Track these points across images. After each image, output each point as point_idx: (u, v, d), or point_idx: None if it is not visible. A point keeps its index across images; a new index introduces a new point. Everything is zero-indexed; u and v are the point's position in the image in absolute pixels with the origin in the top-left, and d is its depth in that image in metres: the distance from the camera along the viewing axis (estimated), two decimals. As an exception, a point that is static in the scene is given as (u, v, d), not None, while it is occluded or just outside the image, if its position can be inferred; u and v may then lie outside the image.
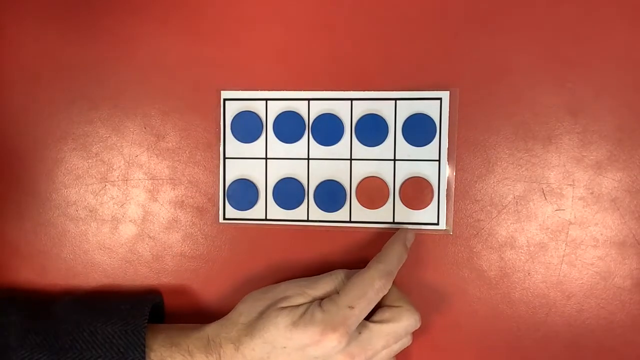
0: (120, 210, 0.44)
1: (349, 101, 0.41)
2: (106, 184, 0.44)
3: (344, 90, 0.41)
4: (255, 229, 0.43)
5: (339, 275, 0.38)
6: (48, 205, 0.45)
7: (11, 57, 0.45)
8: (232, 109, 0.43)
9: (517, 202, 0.40)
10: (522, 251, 0.40)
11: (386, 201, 0.41)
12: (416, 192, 0.41)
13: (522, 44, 0.40)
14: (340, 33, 0.41)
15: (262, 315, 0.37)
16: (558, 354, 0.40)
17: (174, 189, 0.44)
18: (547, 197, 0.40)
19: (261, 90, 0.42)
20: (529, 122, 0.40)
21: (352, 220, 0.42)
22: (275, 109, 0.42)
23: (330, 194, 0.42)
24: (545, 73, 0.39)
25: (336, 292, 0.37)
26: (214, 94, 0.43)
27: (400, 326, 0.37)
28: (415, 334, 0.41)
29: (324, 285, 0.38)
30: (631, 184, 0.39)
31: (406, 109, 0.41)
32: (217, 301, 0.44)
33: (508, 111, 0.40)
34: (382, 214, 0.42)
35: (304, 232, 0.42)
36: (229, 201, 0.43)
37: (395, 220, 0.42)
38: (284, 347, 0.35)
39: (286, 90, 0.42)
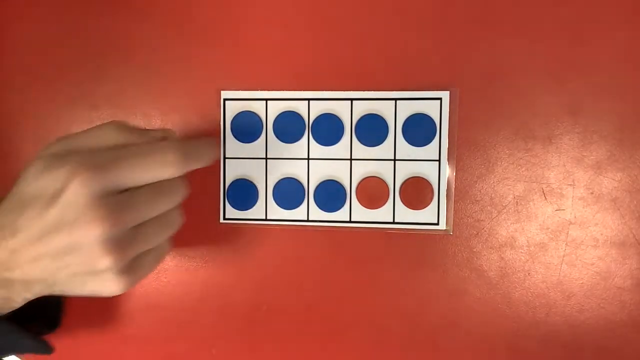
0: (120, 210, 0.44)
1: (349, 101, 0.41)
2: (106, 184, 0.44)
3: (344, 90, 0.41)
4: (255, 229, 0.43)
5: (109, 124, 0.32)
6: (48, 205, 0.45)
7: (11, 57, 0.45)
8: (232, 109, 0.43)
9: (517, 202, 0.40)
10: (522, 251, 0.40)
11: (386, 201, 0.41)
12: (416, 192, 0.41)
13: (522, 44, 0.40)
14: (340, 33, 0.41)
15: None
16: (558, 354, 0.40)
17: (174, 189, 0.44)
18: (547, 197, 0.40)
19: (261, 90, 0.42)
20: (529, 122, 0.40)
21: (352, 220, 0.42)
22: (275, 109, 0.42)
23: (330, 194, 0.42)
24: (545, 73, 0.39)
25: (106, 146, 0.31)
26: (214, 94, 0.43)
27: (162, 185, 0.31)
28: (416, 334, 0.41)
29: (89, 135, 0.31)
30: (631, 184, 0.39)
31: (406, 109, 0.41)
32: (218, 301, 0.44)
33: (508, 111, 0.40)
34: (382, 214, 0.42)
35: (304, 232, 0.42)
36: (229, 201, 0.43)
37: (395, 220, 0.42)
38: (34, 197, 0.29)
39: (286, 90, 0.42)
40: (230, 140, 0.43)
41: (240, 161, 0.43)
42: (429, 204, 0.41)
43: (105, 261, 0.30)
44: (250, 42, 0.42)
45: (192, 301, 0.44)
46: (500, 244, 0.40)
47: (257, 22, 0.42)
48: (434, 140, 0.41)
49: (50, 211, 0.29)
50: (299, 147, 0.42)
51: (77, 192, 0.28)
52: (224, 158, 0.43)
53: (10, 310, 0.33)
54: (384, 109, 0.41)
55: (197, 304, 0.43)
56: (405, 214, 0.41)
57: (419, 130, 0.41)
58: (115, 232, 0.29)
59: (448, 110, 0.40)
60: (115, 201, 0.29)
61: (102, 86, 0.44)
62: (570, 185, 0.40)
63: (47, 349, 0.36)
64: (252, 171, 0.43)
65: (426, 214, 0.41)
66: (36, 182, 0.29)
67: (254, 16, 0.42)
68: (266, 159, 0.43)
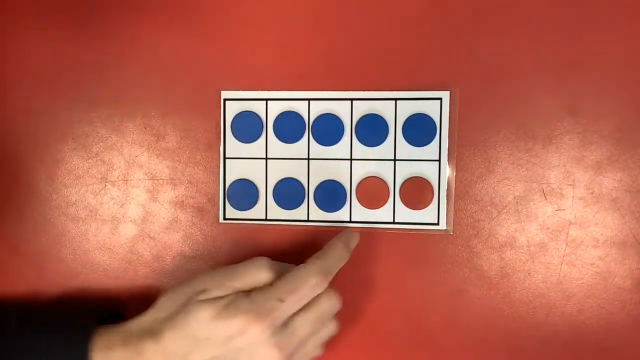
0: (120, 210, 0.44)
1: (349, 101, 0.41)
2: (106, 184, 0.44)
3: (344, 90, 0.41)
4: (255, 229, 0.43)
5: (260, 263, 0.36)
6: (48, 205, 0.45)
7: (11, 57, 0.45)
8: (232, 109, 0.43)
9: (517, 202, 0.40)
10: (522, 251, 0.40)
11: (386, 201, 0.41)
12: (416, 192, 0.41)
13: (522, 44, 0.40)
14: (340, 33, 0.41)
15: (182, 308, 0.35)
16: (558, 354, 0.40)
17: (174, 189, 0.44)
18: (547, 197, 0.40)
19: (261, 90, 0.42)
20: (529, 122, 0.40)
21: (352, 220, 0.42)
22: (275, 109, 0.42)
23: (330, 194, 0.42)
24: (545, 73, 0.39)
25: (259, 283, 0.36)
26: (214, 94, 0.43)
27: (321, 309, 0.36)
28: (416, 334, 0.41)
29: (244, 275, 0.36)
30: (631, 184, 0.39)
31: (406, 109, 0.41)
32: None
33: (508, 111, 0.40)
34: (382, 214, 0.42)
35: (304, 232, 0.42)
36: (229, 201, 0.43)
37: (395, 220, 0.42)
38: (208, 339, 0.34)
39: (286, 90, 0.42)
40: (230, 140, 0.43)
41: (240, 161, 0.43)
42: (429, 204, 0.41)
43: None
44: (250, 42, 0.42)
45: (192, 301, 0.44)
46: (500, 244, 0.40)
47: (257, 22, 0.42)
48: (434, 140, 0.41)
49: (228, 350, 0.34)
50: (299, 147, 0.42)
51: (252, 339, 0.34)
52: (224, 158, 0.43)
53: None
54: (384, 109, 0.41)
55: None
56: (405, 214, 0.41)
57: (419, 130, 0.41)
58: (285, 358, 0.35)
59: (448, 110, 0.40)
60: (283, 337, 0.35)
61: (102, 86, 0.44)
62: (570, 185, 0.40)
63: None
64: (252, 171, 0.43)
65: (426, 214, 0.41)
66: (208, 325, 0.34)
67: (254, 16, 0.42)
68: (266, 159, 0.43)
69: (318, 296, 0.36)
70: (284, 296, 0.34)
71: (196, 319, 0.34)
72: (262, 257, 0.37)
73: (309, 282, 0.35)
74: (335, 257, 0.38)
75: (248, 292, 0.35)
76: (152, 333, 0.35)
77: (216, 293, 0.36)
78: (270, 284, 0.36)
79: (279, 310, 0.34)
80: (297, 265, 0.37)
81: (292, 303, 0.35)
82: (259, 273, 0.36)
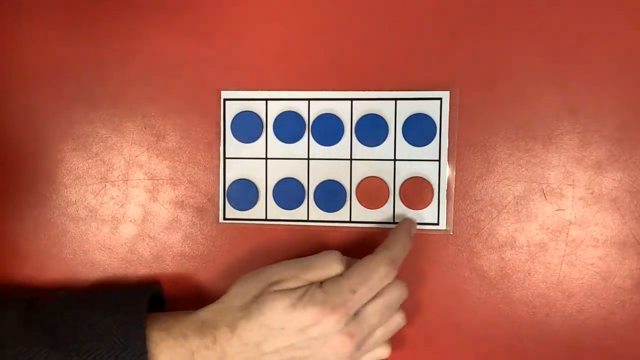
0: (120, 210, 0.44)
1: (349, 101, 0.41)
2: (106, 184, 0.44)
3: (344, 90, 0.41)
4: (255, 229, 0.43)
5: (333, 256, 0.37)
6: (48, 205, 0.45)
7: (11, 57, 0.45)
8: (232, 109, 0.43)
9: (517, 202, 0.40)
10: (522, 251, 0.40)
11: (386, 201, 0.41)
12: (416, 192, 0.41)
13: (522, 44, 0.40)
14: (340, 33, 0.41)
15: (257, 299, 0.36)
16: (558, 354, 0.40)
17: (174, 189, 0.44)
18: (547, 197, 0.40)
19: (261, 90, 0.42)
20: (529, 122, 0.40)
21: (352, 220, 0.42)
22: (275, 109, 0.42)
23: (330, 194, 0.42)
24: (545, 73, 0.39)
25: (330, 275, 0.37)
26: (214, 94, 0.43)
27: (390, 298, 0.37)
28: (416, 334, 0.41)
29: (317, 267, 0.37)
30: (631, 184, 0.39)
31: (406, 109, 0.41)
32: (162, 293, 0.44)
33: (508, 111, 0.40)
34: (382, 214, 0.42)
35: (304, 232, 0.42)
36: (229, 201, 0.43)
37: (395, 221, 0.41)
38: (282, 329, 0.35)
39: (286, 90, 0.42)
40: (230, 140, 0.43)
41: (240, 161, 0.43)
42: (429, 204, 0.41)
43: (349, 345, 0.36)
44: (250, 42, 0.42)
45: (192, 301, 0.44)
46: (500, 244, 0.40)
47: (257, 22, 0.42)
48: (434, 140, 0.41)
49: (301, 340, 0.35)
50: (299, 147, 0.42)
51: (326, 329, 0.35)
52: (224, 158, 0.43)
53: None
54: (384, 109, 0.41)
55: (197, 304, 0.43)
56: (406, 214, 0.41)
57: (419, 130, 0.41)
58: (355, 348, 0.36)
59: (448, 110, 0.40)
60: (354, 325, 0.35)
61: (102, 86, 0.44)
62: (570, 185, 0.40)
63: None
64: (252, 171, 0.43)
65: (426, 214, 0.41)
66: (283, 316, 0.35)
67: (254, 16, 0.42)
68: (266, 159, 0.43)
69: (387, 285, 0.37)
70: (356, 287, 0.35)
71: (271, 309, 0.35)
72: (334, 250, 0.38)
73: (379, 272, 0.36)
74: (401, 246, 0.38)
75: (320, 284, 0.36)
76: (227, 322, 0.36)
77: (290, 284, 0.36)
78: (341, 275, 0.36)
79: (351, 301, 0.35)
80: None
81: (364, 293, 0.36)
82: (331, 265, 0.37)
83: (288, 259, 0.43)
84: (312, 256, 0.38)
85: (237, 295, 0.37)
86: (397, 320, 0.38)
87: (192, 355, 0.36)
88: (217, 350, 0.36)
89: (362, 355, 0.37)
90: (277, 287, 0.36)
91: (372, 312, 0.36)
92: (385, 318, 0.37)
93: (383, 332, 0.37)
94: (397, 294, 0.37)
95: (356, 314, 0.36)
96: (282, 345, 0.35)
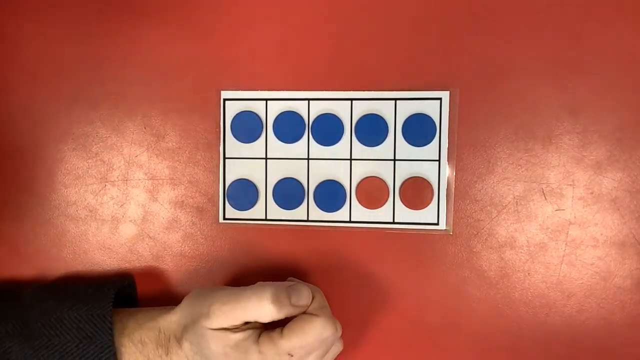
0: (120, 210, 0.44)
1: (349, 101, 0.41)
2: (106, 184, 0.44)
3: (344, 90, 0.41)
4: (255, 229, 0.43)
5: (263, 295, 0.35)
6: (48, 205, 0.45)
7: (11, 57, 0.45)
8: (232, 109, 0.43)
9: (517, 202, 0.40)
10: (522, 251, 0.40)
11: (386, 201, 0.41)
12: (416, 192, 0.41)
13: (522, 44, 0.40)
14: (340, 33, 0.41)
15: (194, 325, 0.36)
16: (558, 354, 0.40)
17: (174, 189, 0.44)
18: (547, 197, 0.40)
19: (261, 90, 0.42)
20: (529, 122, 0.40)
21: (352, 220, 0.42)
22: (275, 109, 0.42)
23: (330, 194, 0.42)
24: (545, 73, 0.39)
25: (263, 317, 0.35)
26: (214, 94, 0.43)
27: (311, 336, 0.35)
28: (416, 334, 0.41)
29: (248, 308, 0.35)
30: (631, 184, 0.39)
31: (406, 109, 0.41)
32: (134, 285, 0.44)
33: (508, 111, 0.40)
34: (382, 214, 0.42)
35: (304, 232, 0.42)
36: (229, 201, 0.43)
37: (395, 220, 0.41)
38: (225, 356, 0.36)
39: (286, 90, 0.42)
40: (230, 140, 0.43)
41: (240, 161, 0.43)
42: (429, 204, 0.41)
43: None
44: (250, 42, 0.42)
45: (192, 301, 0.44)
46: (500, 244, 0.40)
47: (257, 22, 0.42)
48: (434, 140, 0.41)
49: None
50: (299, 147, 0.42)
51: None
52: (224, 158, 0.43)
53: None
54: (384, 109, 0.41)
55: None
56: (405, 214, 0.41)
57: (419, 130, 0.41)
58: None
59: (448, 110, 0.40)
60: None
61: (102, 86, 0.44)
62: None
63: None
64: (252, 171, 0.43)
65: (426, 214, 0.41)
66: (220, 354, 0.35)
67: (254, 16, 0.42)
68: (266, 159, 0.43)
69: (313, 320, 0.35)
70: (294, 350, 0.35)
71: (208, 347, 0.35)
72: (266, 287, 0.35)
73: (321, 337, 0.35)
74: (324, 302, 0.38)
75: (258, 336, 0.36)
76: (177, 337, 0.37)
77: (222, 323, 0.35)
78: (280, 333, 0.35)
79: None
80: (290, 278, 0.38)
81: (300, 357, 0.35)
82: (263, 307, 0.35)
83: (288, 259, 0.43)
84: (245, 293, 0.36)
85: (183, 312, 0.37)
86: (333, 352, 0.38)
87: (143, 348, 0.37)
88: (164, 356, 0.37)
89: None
90: (209, 323, 0.35)
91: (289, 347, 0.35)
92: (310, 352, 0.36)
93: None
94: (335, 351, 0.38)
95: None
96: None
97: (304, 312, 0.36)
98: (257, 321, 0.36)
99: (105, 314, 0.37)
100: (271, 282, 0.37)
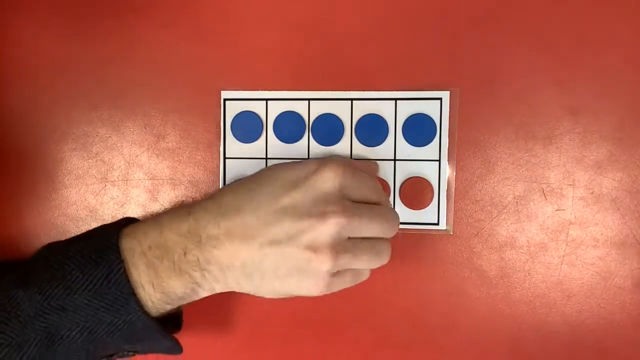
0: (120, 210, 0.44)
1: (349, 101, 0.41)
2: (106, 184, 0.44)
3: (344, 90, 0.41)
4: (255, 229, 0.43)
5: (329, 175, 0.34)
6: (48, 205, 0.45)
7: (11, 57, 0.45)
8: (232, 109, 0.43)
9: (517, 202, 0.40)
10: (522, 251, 0.40)
11: (386, 201, 0.41)
12: (416, 192, 0.41)
13: (523, 44, 0.40)
14: (340, 33, 0.41)
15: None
16: (558, 354, 0.40)
17: (174, 189, 0.44)
18: (547, 197, 0.40)
19: (261, 90, 0.42)
20: (529, 122, 0.40)
21: (352, 220, 0.42)
22: (276, 109, 0.42)
23: (331, 194, 0.42)
24: (545, 73, 0.39)
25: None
26: (214, 94, 0.43)
27: (387, 210, 0.35)
28: (416, 334, 0.41)
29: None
30: (631, 184, 0.39)
31: (406, 109, 0.41)
32: (217, 301, 0.43)
33: (508, 111, 0.40)
34: (382, 214, 0.41)
35: (304, 232, 0.42)
36: (229, 201, 0.43)
37: (396, 220, 0.41)
38: (273, 188, 0.33)
39: (286, 90, 0.42)
40: (230, 140, 0.43)
41: (240, 161, 0.43)
42: (429, 204, 0.41)
43: (328, 262, 0.32)
44: (250, 42, 0.42)
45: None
46: (500, 244, 0.40)
47: (257, 22, 0.42)
48: (434, 140, 0.41)
49: (292, 195, 0.33)
50: (299, 147, 0.42)
51: (327, 181, 0.33)
52: (224, 158, 0.43)
53: (190, 301, 0.35)
54: (384, 109, 0.41)
55: (198, 304, 0.43)
56: (406, 214, 0.41)
57: (419, 130, 0.41)
58: (344, 237, 0.33)
59: (448, 110, 0.40)
60: (354, 210, 0.33)
61: (102, 86, 0.44)
62: (570, 185, 0.40)
63: (179, 350, 0.37)
64: (252, 171, 0.43)
65: (426, 214, 0.41)
66: (296, 170, 0.33)
67: (254, 16, 0.42)
68: (266, 159, 0.43)
69: (379, 206, 0.35)
70: (348, 189, 0.34)
71: (264, 178, 0.34)
72: (333, 164, 0.34)
73: (377, 193, 0.35)
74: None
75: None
76: (213, 214, 0.34)
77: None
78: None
79: (348, 205, 0.33)
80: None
81: (353, 203, 0.33)
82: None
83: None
84: (309, 174, 0.34)
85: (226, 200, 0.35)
86: (384, 247, 0.35)
87: (161, 229, 0.34)
88: (189, 222, 0.34)
89: (339, 279, 0.34)
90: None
91: (369, 214, 0.34)
92: (375, 229, 0.34)
93: (372, 251, 0.34)
94: (392, 213, 0.36)
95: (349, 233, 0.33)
96: (265, 208, 0.33)
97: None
98: None
99: (110, 235, 0.34)
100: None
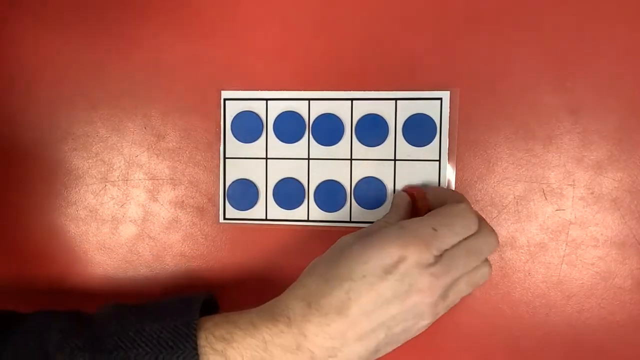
0: (120, 210, 0.44)
1: (349, 101, 0.41)
2: (106, 184, 0.44)
3: (344, 90, 0.41)
4: (255, 229, 0.43)
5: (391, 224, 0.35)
6: (48, 206, 0.45)
7: (11, 57, 0.45)
8: (232, 109, 0.43)
9: (517, 202, 0.40)
10: (523, 251, 0.40)
11: (386, 201, 0.41)
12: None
13: (522, 44, 0.40)
14: (340, 33, 0.41)
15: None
16: (558, 354, 0.40)
17: (174, 189, 0.44)
18: (547, 197, 0.40)
19: (261, 90, 0.42)
20: (529, 122, 0.40)
21: (352, 220, 0.42)
22: (276, 109, 0.42)
23: (331, 194, 0.42)
24: (545, 73, 0.39)
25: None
26: (214, 94, 0.43)
27: (480, 241, 0.34)
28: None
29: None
30: (631, 184, 0.39)
31: (406, 109, 0.41)
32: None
33: (508, 111, 0.40)
34: (382, 214, 0.41)
35: (304, 232, 0.42)
36: (229, 201, 0.43)
37: (396, 220, 0.41)
38: (364, 277, 0.32)
39: (286, 90, 0.42)
40: (230, 140, 0.43)
41: (240, 161, 0.43)
42: (429, 204, 0.41)
43: (430, 315, 0.34)
44: (250, 42, 0.42)
45: (192, 301, 0.44)
46: (501, 243, 0.40)
47: (257, 22, 0.42)
48: (434, 141, 0.41)
49: (386, 288, 0.32)
50: (299, 147, 0.42)
51: (411, 265, 0.32)
52: (224, 158, 0.43)
53: None
54: (384, 109, 0.41)
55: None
56: (406, 214, 0.41)
57: (419, 130, 0.41)
58: (441, 294, 0.33)
59: (448, 110, 0.40)
60: (439, 268, 0.33)
61: (102, 86, 0.44)
62: (571, 185, 0.40)
63: None
64: (252, 171, 0.43)
65: (426, 214, 0.41)
66: (359, 260, 0.33)
67: (254, 16, 0.42)
68: (266, 159, 0.43)
69: (474, 234, 0.34)
70: (437, 226, 0.33)
71: (346, 258, 0.33)
72: (414, 249, 0.33)
73: (465, 218, 0.34)
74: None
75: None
76: (302, 297, 0.33)
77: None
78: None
79: (433, 237, 0.33)
80: None
81: (445, 234, 0.33)
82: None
83: (288, 259, 0.43)
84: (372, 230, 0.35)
85: (310, 281, 0.35)
86: (483, 272, 0.35)
87: (265, 346, 0.32)
88: (294, 333, 0.32)
89: (446, 308, 0.35)
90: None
91: (457, 254, 0.33)
92: (470, 264, 0.34)
93: (468, 279, 0.34)
94: (485, 241, 0.35)
95: (441, 256, 0.33)
96: (366, 301, 0.32)
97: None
98: None
99: (189, 322, 0.33)
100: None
